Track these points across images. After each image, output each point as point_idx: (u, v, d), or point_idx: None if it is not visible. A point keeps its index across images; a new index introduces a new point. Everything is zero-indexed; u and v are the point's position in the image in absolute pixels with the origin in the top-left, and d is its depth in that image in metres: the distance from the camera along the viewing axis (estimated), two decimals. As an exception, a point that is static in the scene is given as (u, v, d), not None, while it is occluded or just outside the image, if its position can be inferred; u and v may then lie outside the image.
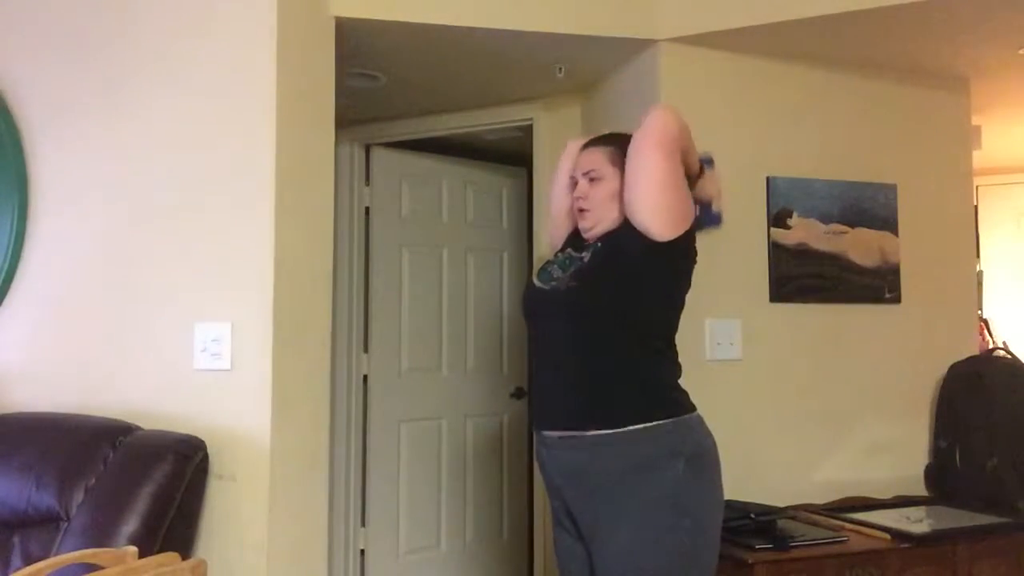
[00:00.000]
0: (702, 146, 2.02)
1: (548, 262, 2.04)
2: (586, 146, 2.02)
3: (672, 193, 1.83)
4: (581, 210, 1.97)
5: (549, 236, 2.20)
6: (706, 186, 2.03)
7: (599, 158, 1.95)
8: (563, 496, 1.90)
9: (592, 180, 1.94)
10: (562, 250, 2.06)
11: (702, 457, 1.83)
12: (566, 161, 2.10)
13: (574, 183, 2.00)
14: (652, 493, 1.77)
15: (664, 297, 1.90)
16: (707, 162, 2.04)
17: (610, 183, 1.92)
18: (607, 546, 1.80)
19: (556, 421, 1.88)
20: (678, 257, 1.88)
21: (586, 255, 1.92)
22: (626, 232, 1.86)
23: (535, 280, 2.01)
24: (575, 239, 2.05)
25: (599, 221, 1.94)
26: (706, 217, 2.04)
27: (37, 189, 2.49)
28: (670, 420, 1.81)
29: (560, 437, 1.87)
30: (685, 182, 1.87)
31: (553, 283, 1.93)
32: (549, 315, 1.94)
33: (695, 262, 1.93)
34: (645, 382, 1.84)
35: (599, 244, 1.92)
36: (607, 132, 2.08)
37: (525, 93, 3.33)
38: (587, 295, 1.85)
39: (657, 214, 1.81)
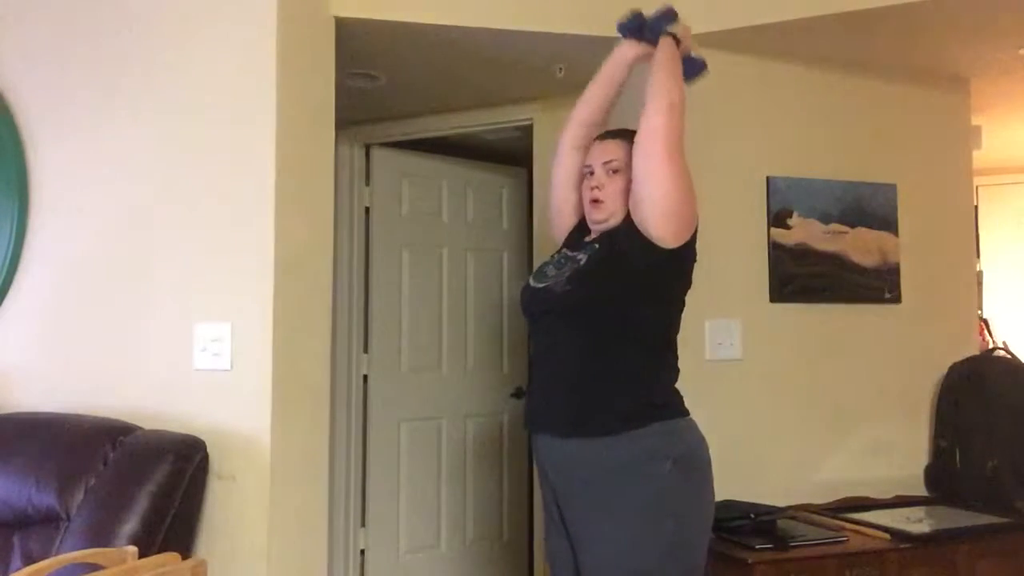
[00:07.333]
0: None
1: (544, 262, 2.01)
2: (603, 137, 1.97)
3: (681, 198, 1.80)
4: (595, 201, 1.90)
5: (552, 233, 2.14)
6: (686, 40, 1.96)
7: (619, 149, 1.90)
8: (553, 486, 1.89)
9: (613, 171, 1.89)
10: (559, 249, 2.03)
11: (690, 459, 1.81)
12: (563, 158, 2.06)
13: (587, 173, 1.94)
14: (637, 494, 1.76)
15: (664, 300, 1.88)
16: (667, 17, 1.94)
17: (627, 176, 1.86)
18: (591, 545, 1.79)
19: (547, 423, 1.88)
20: (680, 260, 1.86)
21: (582, 256, 1.88)
22: (627, 234, 1.83)
23: (530, 280, 1.98)
24: (573, 237, 2.02)
25: (612, 214, 1.89)
26: (691, 68, 1.96)
27: (37, 190, 2.49)
28: (659, 423, 1.80)
29: (551, 437, 1.87)
30: (692, 184, 1.83)
31: (547, 282, 1.90)
32: (542, 315, 1.92)
33: (695, 261, 1.91)
34: (638, 387, 1.82)
35: (596, 246, 1.89)
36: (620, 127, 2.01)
37: (525, 93, 3.33)
38: (584, 299, 1.83)
39: (667, 221, 1.79)
